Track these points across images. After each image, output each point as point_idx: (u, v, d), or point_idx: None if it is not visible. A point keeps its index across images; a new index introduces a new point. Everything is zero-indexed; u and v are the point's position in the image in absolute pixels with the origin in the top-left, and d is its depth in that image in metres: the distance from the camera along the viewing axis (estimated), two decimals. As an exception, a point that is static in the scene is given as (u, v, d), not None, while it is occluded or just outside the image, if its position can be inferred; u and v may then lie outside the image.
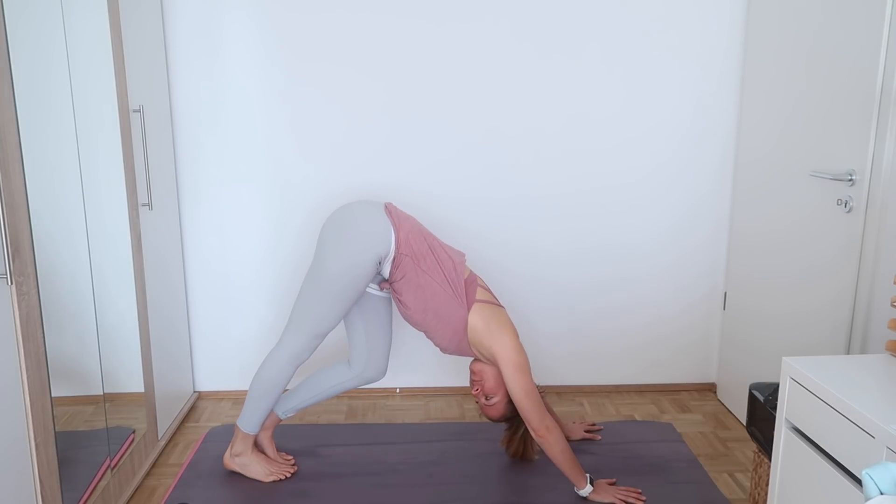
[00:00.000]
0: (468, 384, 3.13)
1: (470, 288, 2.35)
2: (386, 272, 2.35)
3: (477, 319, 2.31)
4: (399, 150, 2.97)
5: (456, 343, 2.38)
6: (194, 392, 3.16)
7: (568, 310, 3.15)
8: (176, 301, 2.94)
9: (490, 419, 2.52)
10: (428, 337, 2.43)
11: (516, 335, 2.34)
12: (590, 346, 3.20)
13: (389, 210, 2.36)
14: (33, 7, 1.86)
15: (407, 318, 2.41)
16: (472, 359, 2.47)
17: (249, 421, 2.43)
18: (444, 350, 2.44)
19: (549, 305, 3.14)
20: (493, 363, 2.35)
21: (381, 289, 2.45)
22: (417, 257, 2.30)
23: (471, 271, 2.45)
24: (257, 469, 2.46)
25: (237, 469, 2.48)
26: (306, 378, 2.58)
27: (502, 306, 2.44)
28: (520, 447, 2.54)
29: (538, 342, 3.13)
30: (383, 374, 2.57)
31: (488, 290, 2.44)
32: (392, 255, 2.30)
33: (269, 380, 2.39)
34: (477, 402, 2.51)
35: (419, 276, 2.30)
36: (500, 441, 2.62)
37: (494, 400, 2.43)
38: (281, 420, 2.56)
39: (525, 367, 2.29)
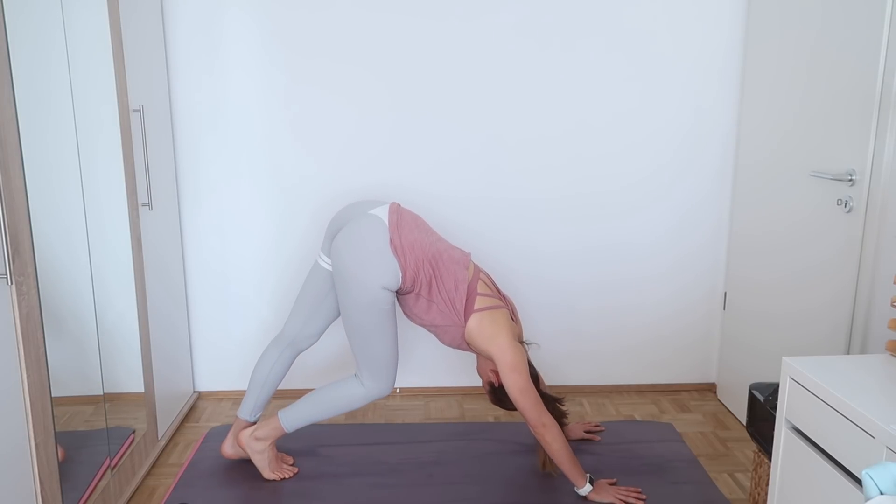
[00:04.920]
0: (468, 384, 3.17)
1: (470, 298, 2.36)
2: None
3: (473, 327, 2.35)
4: (401, 151, 2.97)
5: (456, 346, 2.43)
6: (194, 392, 3.16)
7: (568, 310, 3.15)
8: (176, 301, 2.94)
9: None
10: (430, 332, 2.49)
11: (511, 335, 2.35)
12: (590, 346, 3.20)
13: (394, 244, 2.27)
14: (33, 7, 1.86)
15: (409, 319, 2.45)
16: None
17: (294, 421, 2.43)
18: (447, 346, 2.49)
19: (550, 305, 3.14)
20: (492, 361, 2.38)
21: None
22: (422, 287, 2.32)
23: (475, 268, 2.44)
24: (266, 464, 2.46)
25: (247, 451, 2.47)
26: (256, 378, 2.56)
27: (503, 302, 2.45)
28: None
29: (538, 341, 3.12)
30: (315, 339, 2.54)
31: (490, 288, 2.44)
32: (398, 286, 2.32)
33: (336, 401, 2.40)
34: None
35: (419, 299, 2.34)
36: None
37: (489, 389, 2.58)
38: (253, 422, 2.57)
39: (519, 366, 2.30)
